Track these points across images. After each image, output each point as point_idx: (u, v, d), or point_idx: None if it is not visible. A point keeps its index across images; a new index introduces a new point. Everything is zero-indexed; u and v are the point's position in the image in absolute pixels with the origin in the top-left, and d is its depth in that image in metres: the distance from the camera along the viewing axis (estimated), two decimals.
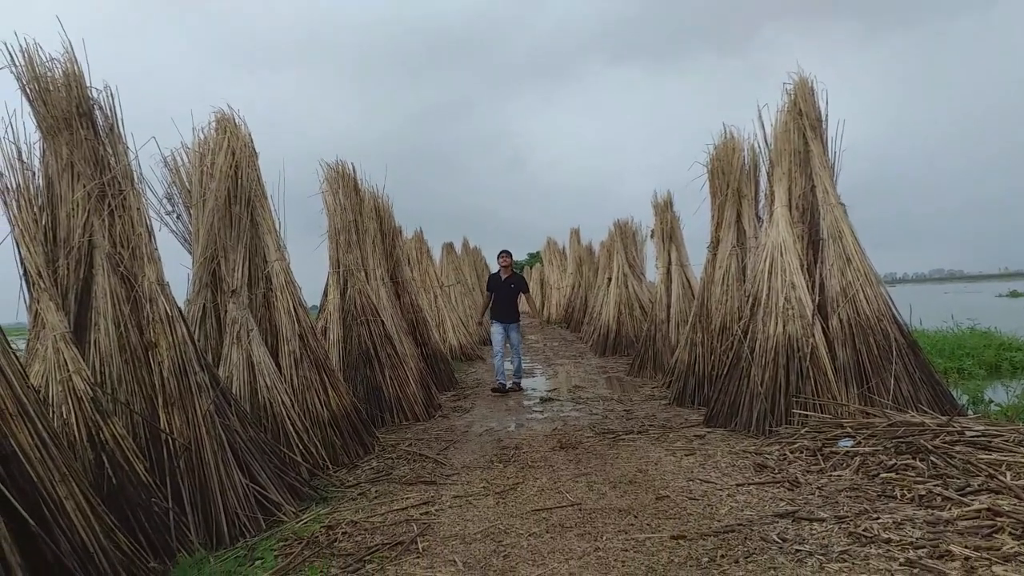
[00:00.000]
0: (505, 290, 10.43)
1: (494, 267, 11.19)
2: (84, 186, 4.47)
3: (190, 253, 6.16)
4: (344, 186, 8.80)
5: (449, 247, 20.18)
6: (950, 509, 3.49)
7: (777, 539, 3.33)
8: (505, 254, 10.70)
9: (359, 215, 9.03)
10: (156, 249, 4.74)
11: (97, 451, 3.95)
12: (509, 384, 10.27)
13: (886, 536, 3.18)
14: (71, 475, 3.23)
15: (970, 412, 6.62)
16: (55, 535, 2.95)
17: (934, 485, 3.82)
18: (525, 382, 11.23)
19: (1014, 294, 42.98)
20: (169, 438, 4.18)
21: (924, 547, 3.05)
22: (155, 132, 5.82)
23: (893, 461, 4.26)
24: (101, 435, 3.98)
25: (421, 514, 4.20)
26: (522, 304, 11.18)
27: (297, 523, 4.14)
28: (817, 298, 6.54)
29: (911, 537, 3.16)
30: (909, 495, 3.78)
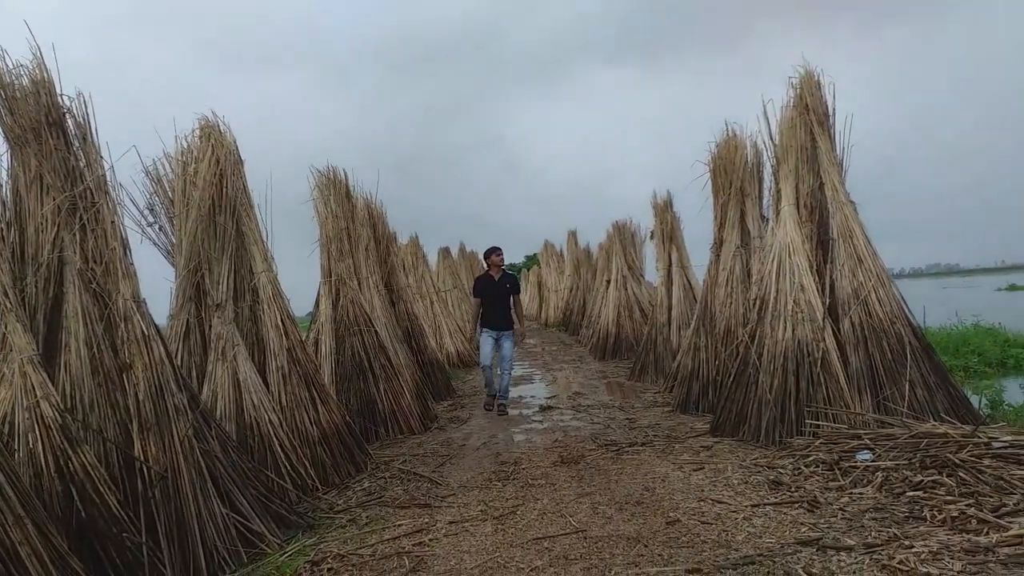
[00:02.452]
0: (498, 293, 8.96)
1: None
2: (54, 199, 4.21)
3: (173, 266, 5.90)
4: (336, 193, 8.53)
5: (445, 252, 19.91)
6: (987, 534, 3.23)
7: (804, 574, 3.05)
8: (497, 251, 9.12)
9: (351, 222, 8.76)
10: (132, 264, 4.46)
11: (66, 483, 3.68)
12: (496, 404, 8.87)
13: (924, 570, 2.91)
14: (28, 517, 2.97)
15: (983, 412, 6.36)
16: None
17: (966, 505, 3.56)
18: (523, 388, 10.95)
19: (1013, 287, 42.85)
20: (144, 466, 3.91)
21: None
22: (138, 140, 5.56)
23: (919, 477, 4.00)
24: (70, 465, 3.70)
25: (414, 545, 3.92)
26: None
27: (281, 556, 3.86)
28: (827, 300, 6.29)
29: (952, 570, 2.89)
30: (940, 516, 3.52)
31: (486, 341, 8.88)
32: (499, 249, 9.17)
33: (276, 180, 6.37)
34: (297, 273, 8.79)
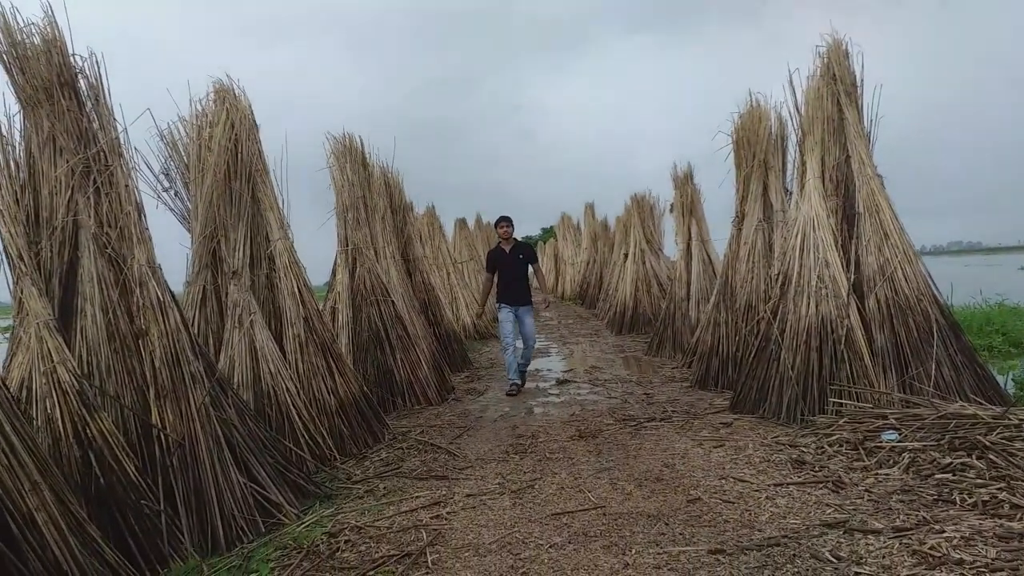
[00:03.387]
0: (512, 264, 8.46)
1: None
2: (67, 161, 4.14)
3: (189, 232, 5.84)
4: (352, 161, 8.42)
5: (462, 223, 19.79)
6: (1020, 519, 3.14)
7: (831, 557, 2.98)
8: (504, 221, 8.62)
9: (368, 191, 8.66)
10: (147, 229, 4.40)
11: (84, 449, 3.66)
12: (515, 378, 8.34)
13: (957, 556, 2.82)
14: (45, 483, 2.94)
15: (1012, 393, 6.24)
16: (23, 554, 2.65)
17: (997, 489, 3.46)
18: (540, 362, 10.87)
19: None
20: (161, 434, 3.88)
21: (1003, 570, 2.70)
22: (154, 105, 5.48)
23: (947, 459, 3.90)
24: (88, 431, 3.68)
25: (431, 518, 3.88)
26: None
27: (298, 527, 3.83)
28: (852, 276, 6.14)
29: (986, 557, 2.80)
30: (970, 500, 3.42)
31: (506, 318, 8.37)
32: (506, 219, 8.67)
33: (293, 148, 6.28)
34: (314, 242, 8.74)
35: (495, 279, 8.60)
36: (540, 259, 20.55)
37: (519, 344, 8.67)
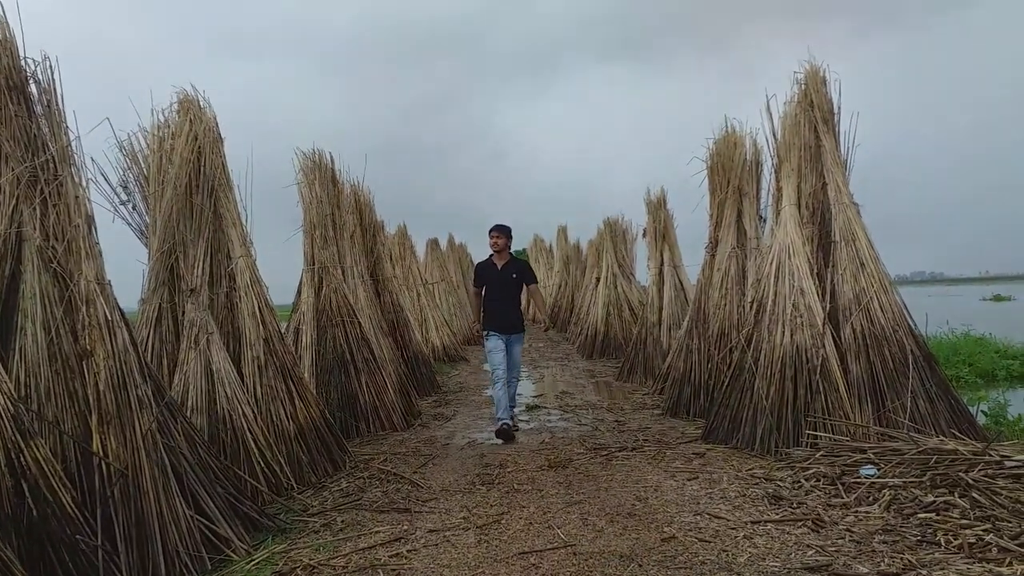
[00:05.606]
0: (504, 283, 7.21)
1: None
2: (12, 169, 3.89)
3: (146, 247, 5.59)
4: (321, 177, 8.22)
5: (434, 243, 19.62)
6: (1010, 564, 3.00)
7: None
8: (499, 231, 7.28)
9: (337, 208, 8.45)
10: (97, 243, 4.16)
11: (16, 478, 3.38)
12: (505, 417, 6.80)
13: None
14: None
15: (987, 427, 6.17)
16: None
17: (983, 530, 3.33)
18: None
19: (998, 298, 42.98)
20: (103, 462, 3.62)
21: None
22: (115, 116, 5.25)
23: (930, 497, 3.77)
24: (22, 459, 3.40)
25: (390, 556, 3.63)
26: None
27: (248, 564, 3.58)
28: (828, 305, 6.05)
29: None
30: (956, 542, 3.28)
31: (495, 347, 6.99)
32: (501, 228, 7.31)
33: (261, 164, 6.06)
34: (278, 260, 8.49)
35: (483, 296, 7.38)
36: None
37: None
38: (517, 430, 7.01)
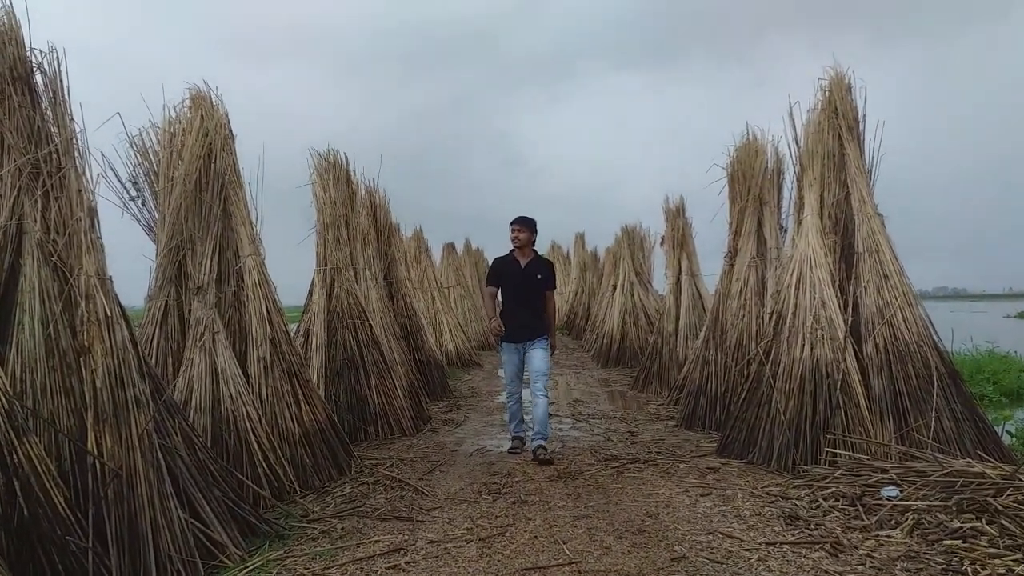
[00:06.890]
0: (526, 283, 6.24)
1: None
2: (15, 161, 3.82)
3: (154, 243, 5.53)
4: (335, 178, 8.13)
5: (450, 247, 19.51)
6: None
7: None
8: (521, 223, 6.32)
9: (351, 210, 8.36)
10: (99, 237, 4.07)
11: (8, 476, 3.30)
12: (533, 444, 6.01)
13: None
14: None
15: (1007, 441, 5.96)
16: None
17: (1013, 560, 3.15)
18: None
19: (1023, 315, 42.24)
20: (97, 461, 3.52)
21: None
22: (128, 114, 5.19)
23: (956, 523, 3.58)
24: (15, 457, 3.31)
25: (388, 568, 3.50)
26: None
27: (241, 570, 3.46)
28: (850, 318, 5.86)
29: None
30: (983, 572, 3.11)
31: (509, 358, 6.31)
32: (524, 220, 6.35)
33: (276, 164, 5.98)
34: (289, 262, 8.40)
35: (499, 297, 6.48)
36: None
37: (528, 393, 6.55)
38: (550, 463, 5.82)
